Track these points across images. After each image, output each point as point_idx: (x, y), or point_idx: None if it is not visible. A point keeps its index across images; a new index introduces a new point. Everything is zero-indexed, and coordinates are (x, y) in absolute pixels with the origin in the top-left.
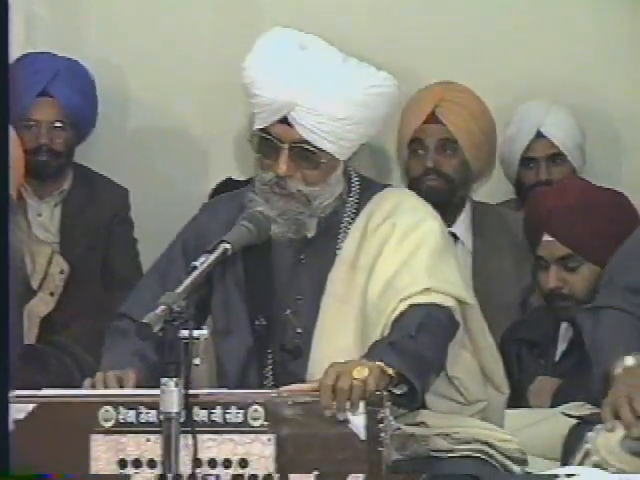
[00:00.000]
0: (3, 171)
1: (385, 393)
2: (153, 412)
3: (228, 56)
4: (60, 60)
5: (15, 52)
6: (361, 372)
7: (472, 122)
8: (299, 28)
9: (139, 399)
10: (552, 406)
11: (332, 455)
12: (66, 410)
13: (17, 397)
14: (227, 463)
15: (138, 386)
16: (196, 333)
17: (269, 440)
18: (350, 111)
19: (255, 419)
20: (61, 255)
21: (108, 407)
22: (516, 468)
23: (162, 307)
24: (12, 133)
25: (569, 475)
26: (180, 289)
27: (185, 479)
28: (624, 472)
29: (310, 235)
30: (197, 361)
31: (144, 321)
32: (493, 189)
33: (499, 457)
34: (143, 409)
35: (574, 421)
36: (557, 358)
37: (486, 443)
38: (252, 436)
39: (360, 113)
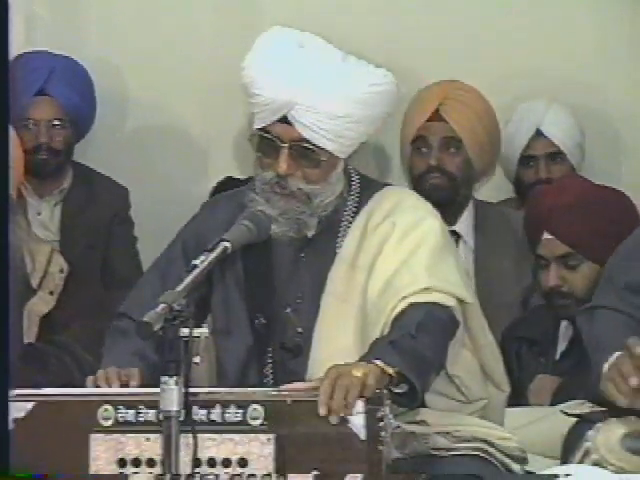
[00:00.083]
0: (3, 170)
1: (385, 392)
2: (152, 411)
3: (228, 56)
4: (56, 58)
5: (15, 52)
6: (360, 371)
7: (476, 121)
8: (299, 28)
9: (138, 398)
10: (552, 404)
11: (332, 455)
12: (65, 409)
13: (17, 396)
14: (226, 462)
15: (139, 386)
16: (196, 332)
17: (268, 440)
18: (350, 109)
19: (254, 418)
20: (61, 254)
21: (107, 406)
22: (516, 466)
23: (162, 306)
24: (12, 133)
25: (566, 475)
26: (180, 288)
27: (183, 479)
28: (624, 470)
29: (310, 234)
30: (197, 359)
31: (144, 320)
32: (492, 188)
33: (499, 455)
34: (142, 408)
35: (574, 419)
36: (557, 356)
37: (486, 441)
38: (251, 435)
39: (360, 111)
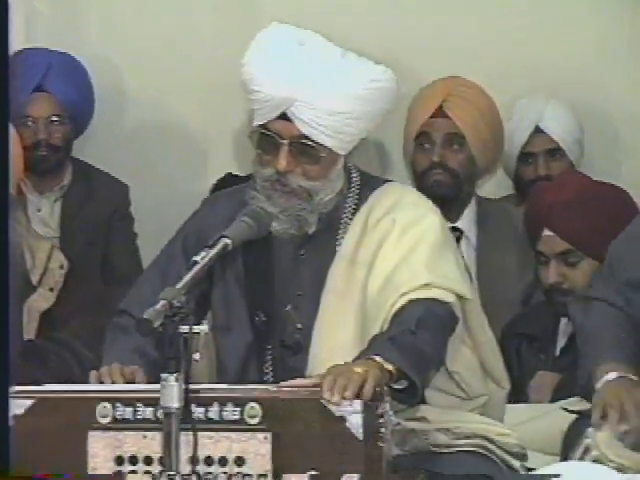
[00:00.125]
0: (3, 167)
1: (385, 388)
2: (150, 409)
3: (227, 53)
4: (53, 54)
5: (14, 50)
6: (361, 369)
7: (479, 117)
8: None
9: (136, 395)
10: (552, 401)
11: (329, 454)
12: (64, 406)
13: (16, 392)
14: (223, 461)
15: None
16: (196, 328)
17: (265, 438)
18: (349, 105)
19: (252, 417)
20: (61, 250)
21: (105, 403)
22: (516, 463)
23: (162, 302)
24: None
25: (555, 475)
26: (180, 284)
27: (180, 478)
28: (623, 467)
29: (311, 231)
30: (197, 356)
31: (144, 316)
32: (493, 184)
33: (499, 452)
34: (140, 406)
35: (574, 416)
36: (557, 353)
37: (486, 438)
38: (248, 434)
39: (359, 107)
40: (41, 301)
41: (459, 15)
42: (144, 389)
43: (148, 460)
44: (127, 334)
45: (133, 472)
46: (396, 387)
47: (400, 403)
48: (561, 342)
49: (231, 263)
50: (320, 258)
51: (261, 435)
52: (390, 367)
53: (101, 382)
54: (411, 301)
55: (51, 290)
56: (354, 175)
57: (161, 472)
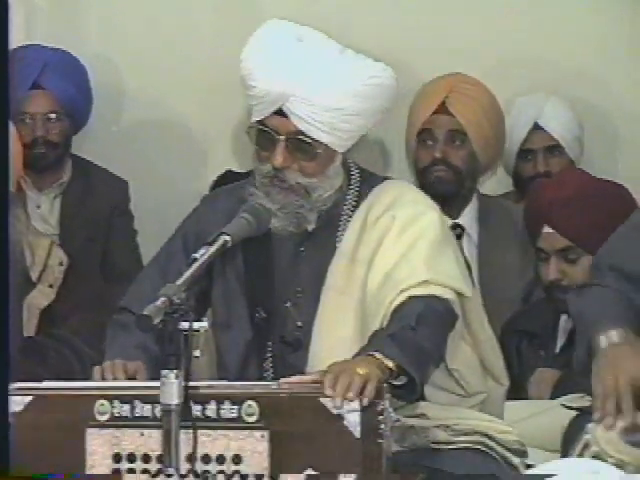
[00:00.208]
0: (3, 165)
1: (385, 385)
2: (148, 406)
3: (227, 52)
4: (49, 51)
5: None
6: (363, 370)
7: (482, 114)
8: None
9: (134, 393)
10: (552, 398)
11: (327, 452)
12: (63, 403)
13: (14, 389)
14: (220, 459)
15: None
16: (196, 325)
17: (263, 436)
18: (346, 102)
19: (249, 415)
20: (60, 247)
21: (103, 401)
22: (516, 460)
23: (162, 299)
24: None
25: (549, 475)
26: (180, 281)
27: (179, 476)
28: (623, 462)
29: (310, 228)
30: (197, 353)
31: (144, 313)
32: (493, 181)
33: (499, 449)
34: (138, 403)
35: (574, 412)
36: (557, 350)
37: (486, 435)
38: (246, 432)
39: (357, 104)
40: (41, 298)
41: (459, 13)
42: (142, 386)
43: (146, 458)
44: (128, 331)
45: (131, 470)
46: (395, 383)
47: (399, 399)
48: (561, 339)
49: (231, 260)
50: (320, 255)
51: (258, 433)
52: (390, 363)
53: (104, 377)
54: (411, 298)
55: (51, 287)
56: (354, 172)
57: (159, 470)
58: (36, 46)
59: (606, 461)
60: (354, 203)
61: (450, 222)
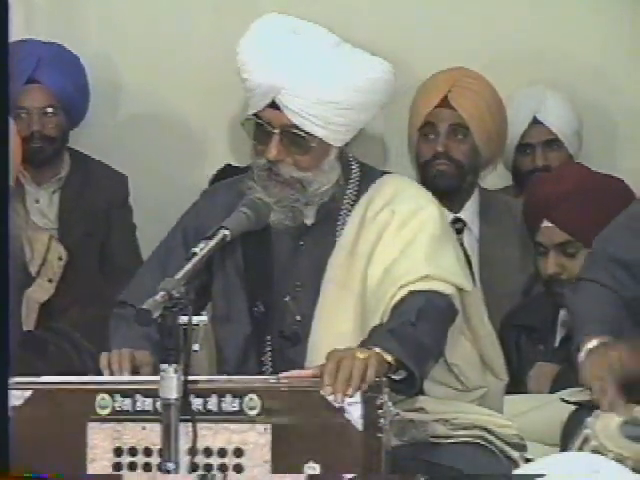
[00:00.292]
0: (3, 160)
1: (384, 379)
2: (149, 400)
3: (226, 47)
4: (43, 45)
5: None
6: (363, 354)
7: (484, 109)
8: None
9: (135, 387)
10: (551, 392)
11: (329, 445)
12: (63, 397)
13: (14, 384)
14: (222, 452)
15: (151, 371)
16: (195, 319)
17: (265, 429)
18: (340, 95)
19: (251, 408)
20: (59, 241)
21: (104, 395)
22: (515, 454)
23: (162, 293)
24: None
25: (540, 475)
26: (179, 275)
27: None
28: (622, 457)
29: (309, 222)
30: (196, 347)
31: (143, 307)
32: (493, 175)
33: (498, 443)
34: (139, 397)
35: (573, 407)
36: (556, 344)
37: (485, 429)
38: (248, 425)
39: (351, 97)
40: (40, 292)
41: (458, 9)
42: (143, 380)
43: (147, 451)
44: (130, 323)
45: (132, 464)
46: (395, 378)
47: (399, 394)
48: (560, 333)
49: (230, 254)
50: (319, 249)
51: (261, 426)
52: (389, 358)
53: (110, 366)
54: (411, 293)
55: (50, 281)
56: (353, 166)
57: (160, 463)
58: (31, 40)
59: (605, 456)
60: (354, 197)
61: (451, 216)
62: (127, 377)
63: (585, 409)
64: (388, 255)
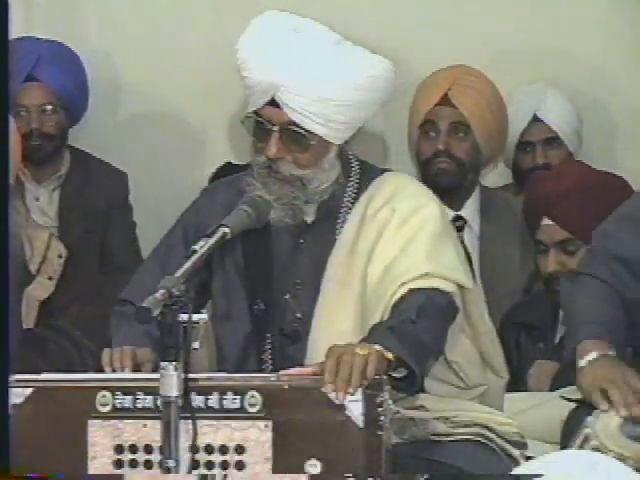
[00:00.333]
0: (3, 157)
1: (384, 377)
2: (150, 397)
3: (225, 46)
4: (42, 43)
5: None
6: (363, 350)
7: (485, 106)
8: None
9: (136, 384)
10: (551, 390)
11: (330, 441)
12: (64, 395)
13: (15, 382)
14: (224, 449)
15: (152, 368)
16: (195, 317)
17: (266, 426)
18: (339, 93)
19: (252, 405)
20: (59, 239)
21: (105, 392)
22: (515, 452)
23: (161, 291)
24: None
25: (537, 476)
26: (179, 273)
27: (179, 466)
28: (623, 456)
29: (310, 220)
30: (196, 345)
31: (143, 305)
32: (493, 173)
33: (499, 441)
34: (140, 394)
35: (573, 404)
36: (556, 342)
37: (486, 427)
38: (249, 422)
39: (351, 95)
40: (40, 290)
41: (458, 7)
42: (144, 378)
43: (148, 449)
44: (131, 321)
45: (133, 461)
46: (395, 376)
47: (399, 392)
48: (560, 331)
49: (230, 252)
50: (319, 247)
51: (262, 423)
52: (389, 355)
53: (111, 363)
54: (411, 290)
55: (50, 279)
56: (353, 164)
57: (161, 461)
58: (30, 38)
59: (606, 454)
60: (354, 195)
61: (452, 214)
62: (128, 374)
63: (585, 407)
64: (388, 253)
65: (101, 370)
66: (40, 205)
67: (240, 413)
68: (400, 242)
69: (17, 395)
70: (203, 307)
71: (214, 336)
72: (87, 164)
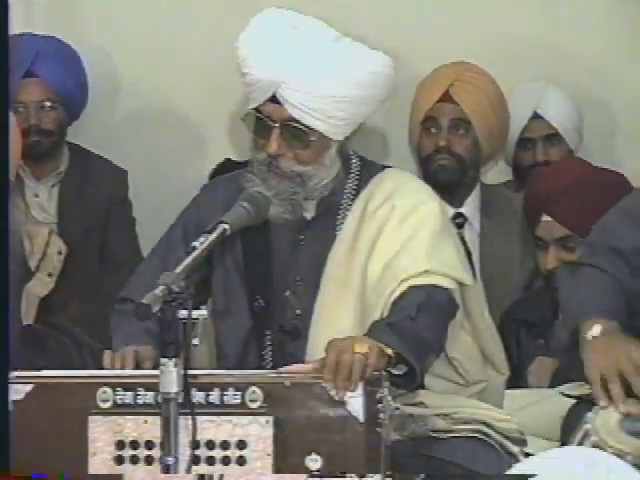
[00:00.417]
0: (3, 154)
1: (384, 373)
2: (151, 393)
3: (225, 42)
4: (41, 39)
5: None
6: (362, 347)
7: (486, 103)
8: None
9: (137, 380)
10: (551, 386)
11: (331, 437)
12: (64, 391)
13: (15, 378)
14: (225, 445)
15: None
16: (195, 314)
17: (267, 422)
18: (340, 89)
19: (253, 401)
20: (59, 236)
21: (106, 388)
22: (515, 448)
23: (161, 287)
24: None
25: (530, 475)
26: (179, 269)
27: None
28: (623, 452)
29: (309, 216)
30: (196, 341)
31: (143, 301)
32: (494, 170)
33: (498, 437)
34: (141, 390)
35: (573, 401)
36: None
37: (485, 423)
38: (250, 418)
39: (352, 92)
40: (40, 286)
41: (459, 5)
42: (145, 374)
43: (149, 445)
44: (131, 319)
45: (134, 457)
46: (395, 372)
47: (399, 388)
48: None
49: (230, 249)
50: (319, 244)
51: (263, 419)
52: (389, 352)
53: (113, 365)
54: (411, 287)
55: (50, 275)
56: (354, 160)
57: (161, 457)
58: (29, 34)
59: (606, 451)
60: (354, 192)
61: (452, 211)
62: (128, 371)
63: (585, 403)
64: (388, 250)
65: (101, 368)
66: (40, 201)
67: (241, 409)
68: (400, 239)
69: (17, 391)
70: (204, 304)
71: (214, 333)
72: (87, 161)
